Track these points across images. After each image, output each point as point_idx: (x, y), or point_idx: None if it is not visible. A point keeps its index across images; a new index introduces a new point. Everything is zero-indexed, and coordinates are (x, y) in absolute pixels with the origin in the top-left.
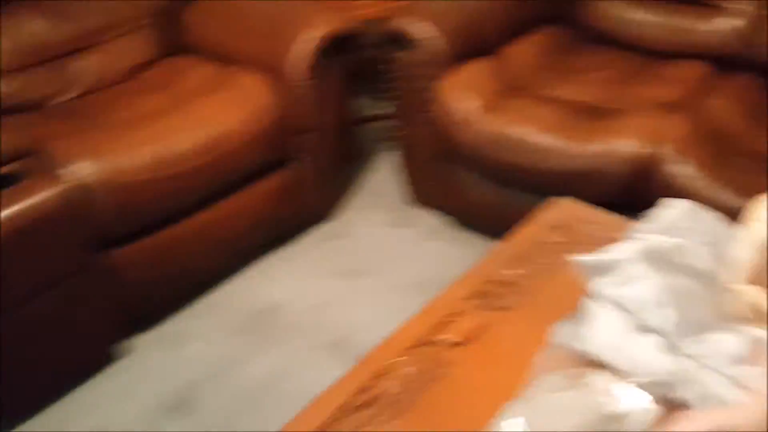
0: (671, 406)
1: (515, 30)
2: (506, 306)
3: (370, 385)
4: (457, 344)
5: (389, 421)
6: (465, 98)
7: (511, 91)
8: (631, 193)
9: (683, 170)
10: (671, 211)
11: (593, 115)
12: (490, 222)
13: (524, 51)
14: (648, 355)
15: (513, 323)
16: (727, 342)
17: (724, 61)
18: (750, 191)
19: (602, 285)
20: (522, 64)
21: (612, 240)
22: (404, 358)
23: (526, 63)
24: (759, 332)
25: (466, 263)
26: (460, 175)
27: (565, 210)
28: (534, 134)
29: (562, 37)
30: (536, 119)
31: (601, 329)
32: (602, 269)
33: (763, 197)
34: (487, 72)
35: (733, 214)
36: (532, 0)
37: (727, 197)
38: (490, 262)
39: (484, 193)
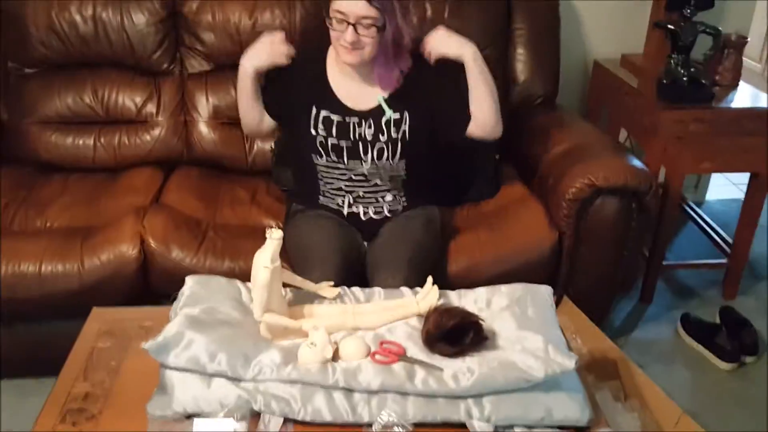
0: (254, 417)
1: None
2: (95, 414)
3: None
4: None
5: None
6: None
7: None
8: (144, 284)
9: (175, 255)
10: (189, 287)
11: (82, 235)
12: (32, 361)
13: None
14: (219, 394)
15: (109, 424)
16: (267, 357)
17: (162, 162)
18: (234, 254)
19: (170, 357)
20: None
21: (148, 328)
22: None
23: None
24: (284, 343)
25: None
26: None
27: (101, 319)
28: (32, 266)
29: (15, 174)
30: (27, 253)
31: (181, 390)
32: (164, 346)
33: (262, 250)
34: None
35: (232, 274)
36: None
37: (218, 263)
38: (61, 385)
39: (18, 337)
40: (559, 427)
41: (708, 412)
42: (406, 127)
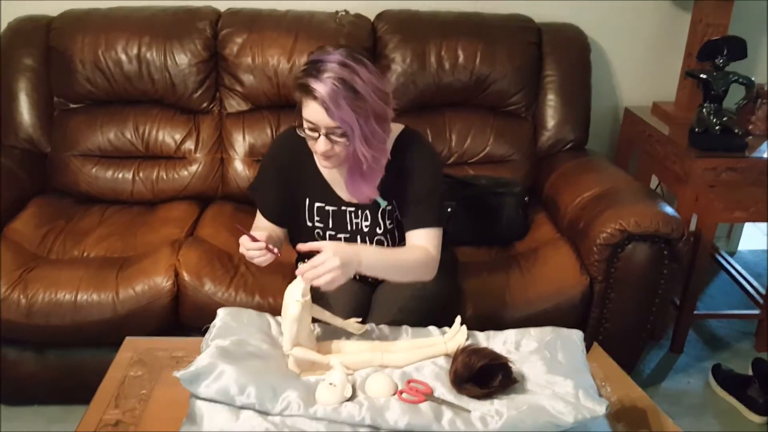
0: None
1: (11, 206)
2: None
3: None
4: None
5: None
6: None
7: (31, 262)
8: (175, 316)
9: (207, 289)
10: (220, 318)
11: (118, 265)
12: (62, 389)
13: (28, 223)
14: (247, 426)
15: None
16: (294, 392)
17: (197, 197)
18: (264, 290)
19: (201, 387)
20: (30, 237)
21: (179, 358)
22: None
23: (34, 234)
24: (311, 378)
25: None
26: (11, 354)
27: (132, 348)
28: (68, 295)
29: (56, 204)
30: (64, 281)
31: (210, 421)
32: (196, 376)
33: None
34: (2, 251)
35: (261, 310)
36: (17, 175)
37: (248, 298)
38: (92, 412)
39: (49, 363)
40: None
41: None
42: (397, 213)
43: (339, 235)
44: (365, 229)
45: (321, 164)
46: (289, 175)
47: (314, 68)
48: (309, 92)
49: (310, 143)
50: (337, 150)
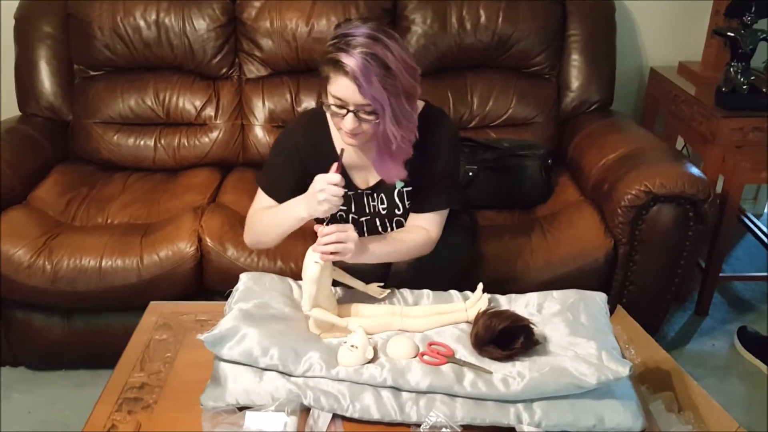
0: (304, 411)
1: (35, 174)
2: (150, 403)
3: None
4: None
5: None
6: (12, 248)
7: (55, 229)
8: (198, 281)
9: (230, 254)
10: (243, 282)
11: (142, 231)
12: (89, 353)
13: (51, 191)
14: (270, 387)
15: (163, 414)
16: (316, 354)
17: (219, 163)
18: (287, 255)
19: (225, 350)
20: (55, 204)
21: (203, 321)
22: None
23: (57, 202)
24: (331, 339)
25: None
26: (38, 320)
27: (158, 312)
28: (93, 261)
29: (79, 171)
30: (88, 247)
31: (234, 382)
32: (220, 338)
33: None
34: (26, 218)
35: (283, 275)
36: (39, 143)
37: (270, 263)
38: (118, 375)
39: (76, 329)
40: None
41: (764, 428)
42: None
43: (361, 219)
44: (383, 212)
45: (346, 141)
46: (306, 162)
47: (344, 42)
48: (340, 67)
49: (335, 120)
50: (365, 128)
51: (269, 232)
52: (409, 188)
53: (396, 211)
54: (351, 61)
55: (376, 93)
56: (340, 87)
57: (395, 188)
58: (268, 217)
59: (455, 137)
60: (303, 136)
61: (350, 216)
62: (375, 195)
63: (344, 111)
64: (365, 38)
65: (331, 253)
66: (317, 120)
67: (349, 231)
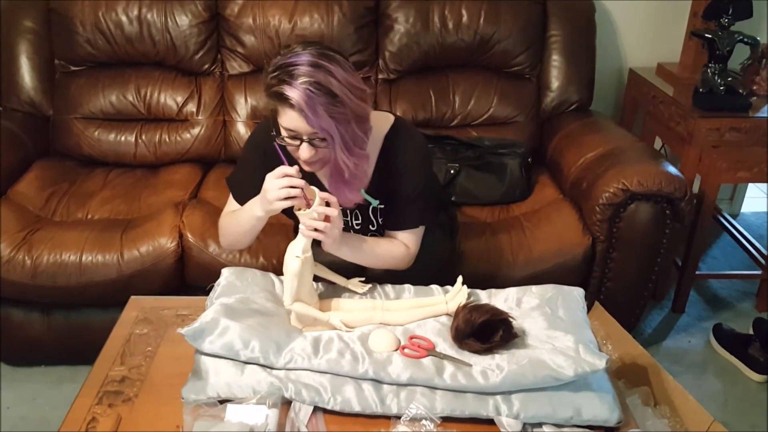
0: (285, 404)
1: (15, 169)
2: (131, 396)
3: None
4: None
5: None
6: None
7: (35, 224)
8: (179, 277)
9: (212, 250)
10: (225, 277)
11: (123, 227)
12: (68, 349)
13: (31, 186)
14: (252, 380)
15: (144, 407)
16: (298, 346)
17: (200, 160)
18: (268, 252)
19: (205, 343)
20: (34, 199)
21: (184, 316)
22: None
23: (37, 197)
24: (314, 333)
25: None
26: (18, 315)
27: (138, 307)
28: (73, 256)
29: (59, 167)
30: (69, 242)
31: (216, 375)
32: (200, 332)
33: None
34: (6, 213)
35: (265, 269)
36: (20, 138)
37: (252, 260)
38: (99, 369)
39: (56, 324)
40: (588, 427)
41: (739, 423)
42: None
43: None
44: (357, 227)
45: (305, 169)
46: (275, 163)
47: (285, 73)
48: (285, 100)
49: (291, 150)
50: (321, 154)
51: (234, 233)
52: (383, 206)
53: (370, 227)
54: (295, 93)
55: (323, 123)
56: (289, 119)
57: (370, 205)
58: (234, 220)
59: (425, 155)
60: (270, 137)
61: None
62: (349, 211)
63: (297, 141)
64: (307, 66)
65: (315, 230)
66: None
67: (338, 218)
